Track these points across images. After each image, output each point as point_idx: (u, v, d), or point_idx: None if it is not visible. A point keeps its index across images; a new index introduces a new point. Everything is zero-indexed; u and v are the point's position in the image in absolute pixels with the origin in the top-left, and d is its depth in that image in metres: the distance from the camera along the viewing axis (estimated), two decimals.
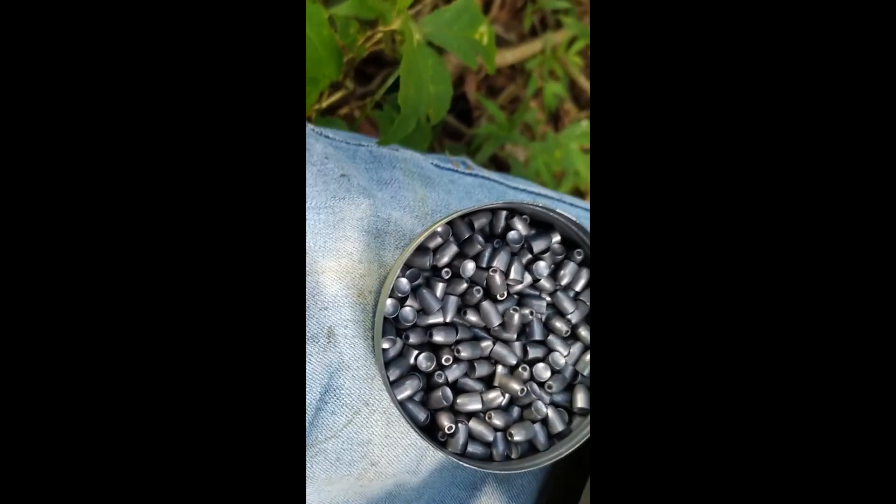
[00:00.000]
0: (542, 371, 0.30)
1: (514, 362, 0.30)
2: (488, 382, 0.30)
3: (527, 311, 0.30)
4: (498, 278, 0.29)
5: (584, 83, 0.90)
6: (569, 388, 0.31)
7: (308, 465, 0.30)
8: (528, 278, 0.30)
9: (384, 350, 0.29)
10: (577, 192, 0.87)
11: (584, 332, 0.31)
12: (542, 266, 0.30)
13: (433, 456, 0.32)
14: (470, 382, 0.30)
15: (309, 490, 0.31)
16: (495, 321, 0.30)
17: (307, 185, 0.31)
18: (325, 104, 0.50)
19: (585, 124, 0.86)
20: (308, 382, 0.29)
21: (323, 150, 0.33)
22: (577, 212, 0.38)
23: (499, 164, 0.85)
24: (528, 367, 0.30)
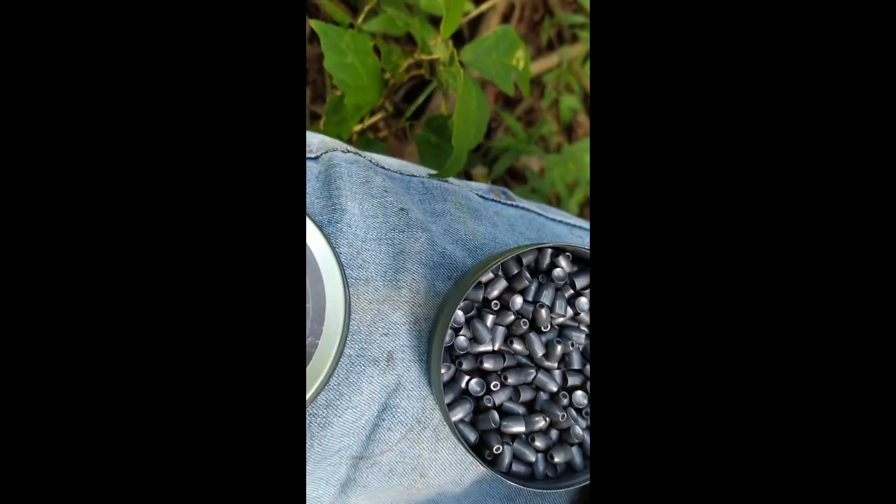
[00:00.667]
0: (581, 398, 0.33)
1: (555, 389, 0.33)
2: (531, 407, 0.33)
3: (568, 343, 0.33)
4: (543, 312, 0.32)
5: None
6: None
7: (364, 475, 0.33)
8: (570, 312, 0.33)
9: (440, 374, 0.32)
10: (589, 202, 0.90)
11: None
12: (584, 301, 0.33)
13: (476, 469, 0.35)
14: (514, 406, 0.33)
15: (361, 497, 0.34)
16: (539, 351, 0.32)
17: (369, 216, 0.34)
18: (365, 125, 0.53)
19: None
20: (368, 401, 0.32)
21: (382, 182, 0.35)
22: None
23: (515, 174, 0.88)
24: (567, 394, 0.33)
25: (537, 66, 0.90)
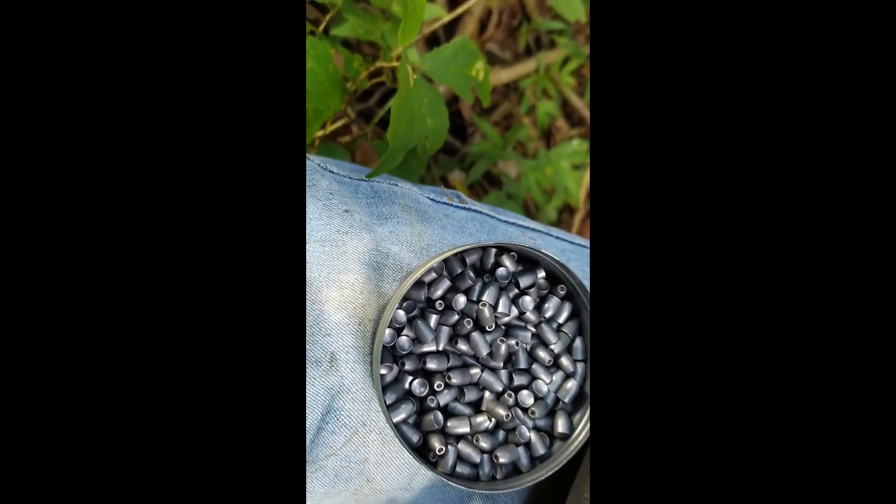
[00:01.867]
0: (526, 398, 0.33)
1: (500, 389, 0.33)
2: (476, 407, 0.33)
3: (513, 342, 0.33)
4: (487, 311, 0.32)
5: (577, 102, 0.93)
6: (550, 414, 0.34)
7: (308, 480, 0.33)
8: (514, 311, 0.33)
9: (382, 375, 0.32)
10: (567, 208, 0.91)
11: (565, 362, 0.34)
12: (528, 300, 0.33)
13: (425, 474, 0.35)
14: (459, 407, 0.33)
15: None
16: (484, 350, 0.33)
17: (313, 218, 0.34)
18: (328, 131, 0.53)
19: (577, 143, 0.89)
20: (310, 404, 0.32)
21: (328, 185, 0.35)
22: (563, 245, 0.41)
23: (492, 180, 0.88)
24: (513, 394, 0.33)
25: (515, 72, 0.91)
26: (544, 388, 0.33)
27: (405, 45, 0.47)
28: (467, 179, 0.84)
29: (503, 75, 0.90)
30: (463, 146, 0.89)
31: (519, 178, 0.87)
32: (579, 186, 0.90)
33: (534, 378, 0.34)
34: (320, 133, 0.54)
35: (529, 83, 0.91)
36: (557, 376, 0.34)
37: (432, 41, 0.87)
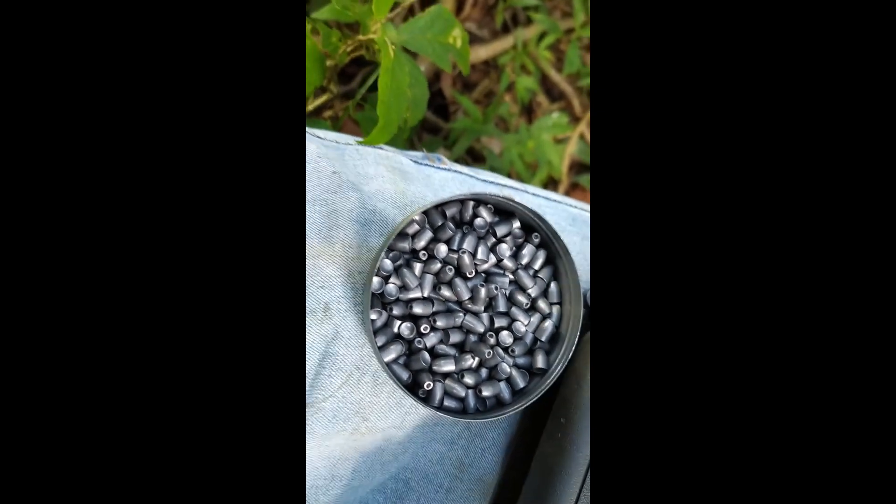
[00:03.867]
0: (506, 338, 0.36)
1: (482, 330, 0.36)
2: (460, 348, 0.37)
3: (492, 287, 0.36)
4: (467, 259, 0.36)
5: (555, 76, 0.96)
6: (529, 352, 0.37)
7: (308, 422, 0.36)
8: (492, 259, 0.37)
9: (372, 320, 0.35)
10: (551, 181, 0.94)
11: (542, 305, 0.38)
12: (505, 248, 0.37)
13: (416, 414, 0.38)
14: (445, 348, 0.36)
15: (310, 445, 0.37)
16: (465, 295, 0.36)
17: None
18: (310, 107, 0.56)
19: (556, 116, 0.92)
20: (308, 350, 0.35)
21: (316, 150, 0.38)
22: (538, 200, 0.44)
23: (475, 156, 0.91)
24: (494, 335, 0.36)
25: (493, 49, 0.94)
26: (522, 329, 0.37)
27: (380, 19, 0.49)
28: (451, 155, 0.87)
29: (482, 52, 0.93)
30: (446, 124, 0.92)
31: (502, 153, 0.90)
32: (561, 159, 0.93)
33: (513, 320, 0.37)
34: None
35: (508, 59, 0.94)
36: (534, 318, 0.37)
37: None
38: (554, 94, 0.98)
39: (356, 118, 0.55)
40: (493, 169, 0.87)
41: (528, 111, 0.99)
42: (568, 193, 0.95)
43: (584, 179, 0.93)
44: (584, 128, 0.95)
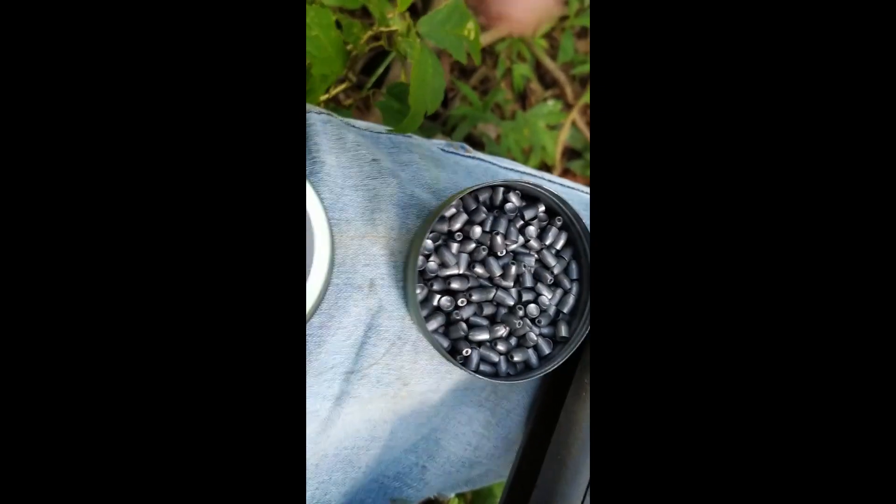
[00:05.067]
0: (533, 310, 0.41)
1: (511, 303, 0.41)
2: (493, 319, 0.41)
3: (521, 265, 0.41)
4: (498, 239, 0.40)
5: (549, 64, 1.00)
6: (553, 323, 0.42)
7: (355, 387, 0.40)
8: (521, 239, 0.41)
9: (416, 294, 0.39)
10: (544, 166, 0.99)
11: (564, 280, 0.42)
12: (532, 230, 0.41)
13: (450, 378, 0.42)
14: (479, 320, 0.40)
15: (354, 408, 0.41)
16: (497, 272, 0.40)
17: (347, 167, 0.40)
18: (332, 94, 0.59)
19: (551, 103, 0.97)
20: (356, 322, 0.39)
21: (355, 138, 0.42)
22: (556, 187, 0.48)
23: (473, 142, 0.95)
24: (522, 307, 0.41)
25: (489, 37, 0.97)
26: (547, 302, 0.41)
27: (402, 11, 0.53)
28: (451, 141, 0.91)
29: (480, 40, 0.96)
30: (444, 110, 0.96)
31: (499, 138, 0.94)
32: (555, 145, 0.98)
33: (538, 294, 0.41)
34: (324, 97, 0.60)
35: (504, 47, 0.98)
36: (557, 292, 0.42)
37: (410, 10, 0.92)
38: (547, 80, 1.02)
39: (377, 106, 0.59)
40: (491, 154, 0.91)
41: (523, 98, 1.03)
42: (561, 178, 0.99)
43: (576, 165, 0.98)
44: (576, 115, 1.00)
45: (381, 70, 0.72)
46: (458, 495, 0.69)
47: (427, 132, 0.92)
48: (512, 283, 0.41)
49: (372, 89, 0.66)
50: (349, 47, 0.59)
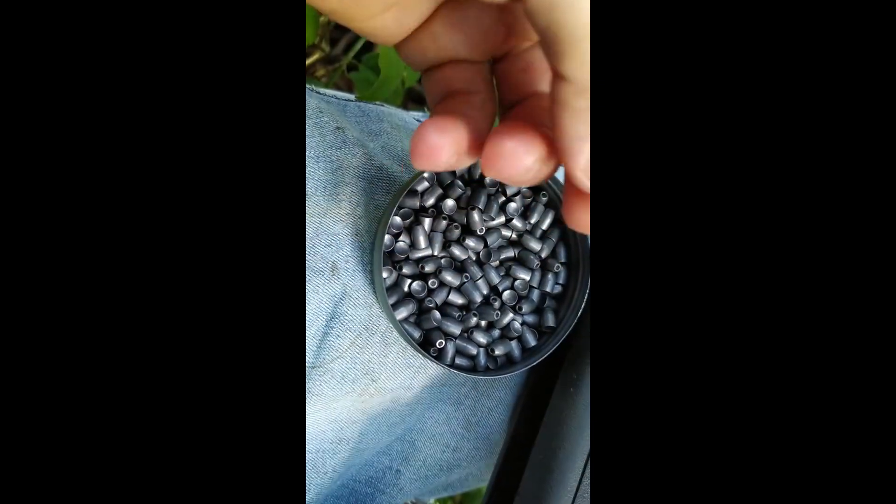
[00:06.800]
0: (509, 297, 0.37)
1: (489, 289, 0.36)
2: (469, 307, 0.37)
3: (501, 245, 0.36)
4: (475, 215, 0.36)
5: None
6: (538, 311, 0.38)
7: (317, 384, 0.36)
8: (501, 217, 0.37)
9: (383, 279, 0.35)
10: None
11: (550, 263, 0.38)
12: (514, 206, 0.37)
13: (424, 374, 0.38)
14: (454, 307, 0.36)
15: (317, 407, 0.37)
16: (474, 254, 0.36)
17: (306, 136, 0.36)
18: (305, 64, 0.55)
19: None
20: (315, 311, 0.35)
21: (317, 105, 0.38)
22: None
23: None
24: (501, 293, 0.37)
25: None
26: (524, 286, 0.37)
27: None
28: (428, 112, 0.87)
29: None
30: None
31: None
32: None
33: (520, 278, 0.37)
34: None
35: None
36: (545, 277, 0.38)
37: None
38: None
39: (351, 78, 0.55)
40: None
41: None
42: None
43: None
44: None
45: (358, 46, 0.68)
46: (441, 500, 0.65)
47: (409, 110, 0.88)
48: (493, 266, 0.37)
49: (351, 65, 0.62)
50: (322, 18, 0.55)
